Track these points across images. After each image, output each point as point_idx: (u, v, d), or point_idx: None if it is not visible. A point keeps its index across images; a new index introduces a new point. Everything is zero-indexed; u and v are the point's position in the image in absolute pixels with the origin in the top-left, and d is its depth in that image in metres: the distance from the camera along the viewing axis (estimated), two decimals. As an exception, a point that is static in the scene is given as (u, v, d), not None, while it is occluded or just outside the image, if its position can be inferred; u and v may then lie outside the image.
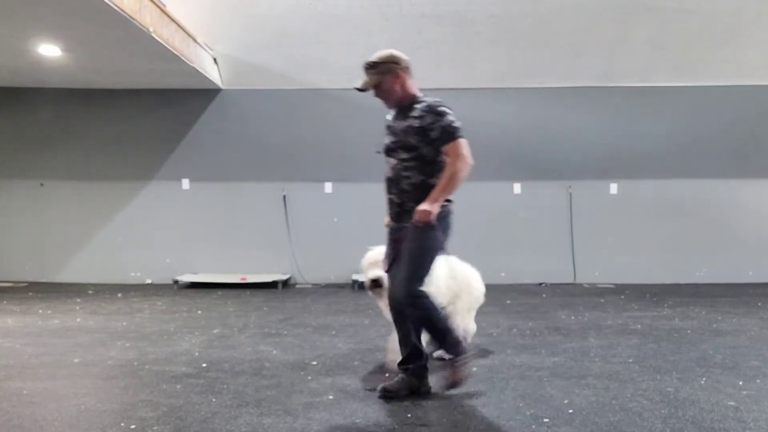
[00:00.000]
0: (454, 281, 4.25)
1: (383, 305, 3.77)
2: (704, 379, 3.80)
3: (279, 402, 3.37)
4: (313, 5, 7.33)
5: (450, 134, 3.38)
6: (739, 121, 8.49)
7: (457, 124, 3.41)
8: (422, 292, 3.37)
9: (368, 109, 8.69)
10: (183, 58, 6.80)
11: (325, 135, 8.52)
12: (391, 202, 3.53)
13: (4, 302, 6.79)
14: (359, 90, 3.62)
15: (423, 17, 7.49)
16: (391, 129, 3.54)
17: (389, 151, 3.51)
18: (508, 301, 6.92)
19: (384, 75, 3.58)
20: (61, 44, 6.40)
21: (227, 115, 8.52)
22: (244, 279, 8.12)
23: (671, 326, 5.50)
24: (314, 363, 4.22)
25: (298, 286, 8.32)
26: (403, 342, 3.57)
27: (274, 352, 4.55)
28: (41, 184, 8.59)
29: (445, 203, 3.42)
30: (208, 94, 8.46)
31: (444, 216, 3.41)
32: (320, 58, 8.03)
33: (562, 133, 8.54)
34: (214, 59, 8.03)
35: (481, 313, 6.26)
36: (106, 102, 8.47)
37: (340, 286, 8.16)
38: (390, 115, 3.63)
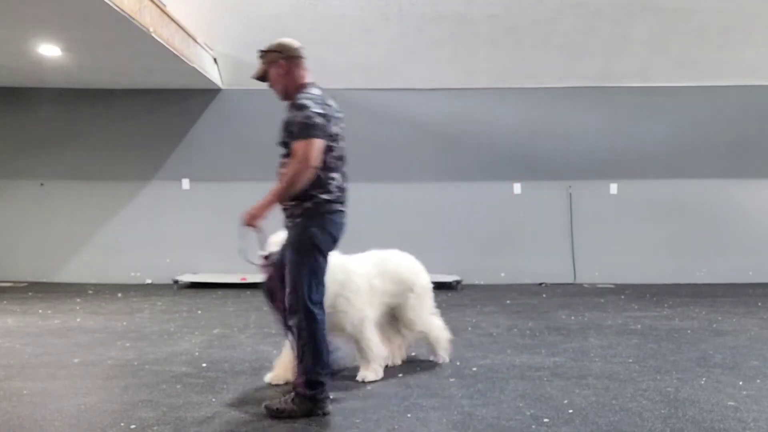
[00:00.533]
0: (335, 282, 3.62)
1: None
2: (704, 379, 3.80)
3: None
4: (313, 5, 7.33)
5: (302, 131, 3.08)
6: (739, 121, 8.49)
7: (314, 121, 3.10)
8: (304, 305, 3.11)
9: (368, 109, 8.75)
10: (183, 58, 6.79)
11: (325, 135, 8.50)
12: None
13: (4, 302, 6.79)
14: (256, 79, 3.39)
15: (423, 17, 7.49)
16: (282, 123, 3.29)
17: (280, 147, 3.28)
18: (508, 301, 6.92)
19: (269, 65, 3.32)
20: (61, 44, 6.40)
21: (227, 115, 8.52)
22: (244, 279, 8.11)
23: (671, 326, 5.50)
24: (314, 363, 4.21)
25: (298, 286, 8.30)
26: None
27: (274, 352, 4.53)
28: (41, 184, 8.59)
29: (323, 202, 3.15)
30: (208, 94, 8.46)
31: (313, 216, 3.15)
32: (320, 58, 7.98)
33: (562, 133, 8.53)
34: (214, 59, 8.03)
35: (481, 313, 6.29)
36: (106, 102, 8.47)
37: (340, 286, 8.15)
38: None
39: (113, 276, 8.44)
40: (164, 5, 6.19)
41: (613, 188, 8.58)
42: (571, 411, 3.21)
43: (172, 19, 6.40)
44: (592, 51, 7.97)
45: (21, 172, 8.56)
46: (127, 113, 8.50)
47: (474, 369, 4.03)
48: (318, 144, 3.09)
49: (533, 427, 2.99)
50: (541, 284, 8.31)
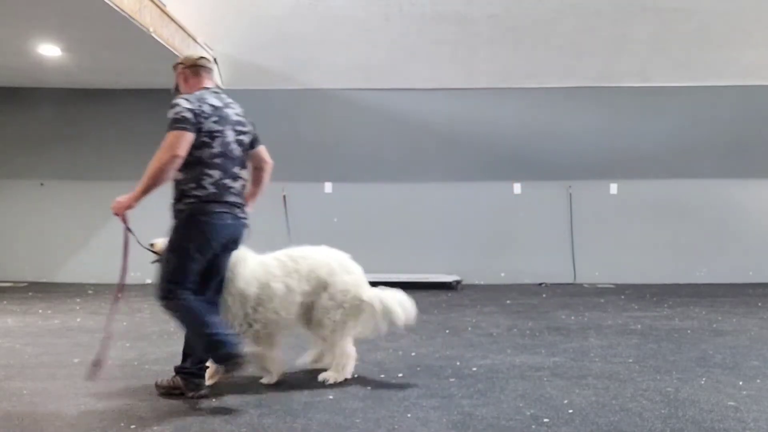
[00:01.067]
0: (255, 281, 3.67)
1: None
2: (704, 379, 3.80)
3: (279, 402, 3.37)
4: (313, 5, 7.33)
5: (170, 125, 3.27)
6: (739, 121, 8.49)
7: (182, 115, 3.26)
8: (173, 292, 3.34)
9: (368, 109, 8.76)
10: (183, 58, 6.79)
11: (325, 135, 8.52)
12: None
13: (4, 302, 6.79)
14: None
15: (423, 17, 7.49)
16: None
17: None
18: (508, 301, 6.92)
19: (176, 75, 3.63)
20: (61, 44, 6.40)
21: (227, 115, 8.51)
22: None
23: (671, 326, 5.50)
24: (314, 363, 4.21)
25: (298, 286, 8.30)
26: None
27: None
28: (41, 184, 8.59)
29: (197, 203, 3.30)
30: (208, 94, 8.45)
31: (185, 220, 3.34)
32: (320, 58, 8.04)
33: (562, 133, 8.53)
34: (214, 59, 8.02)
35: (481, 313, 6.29)
36: (106, 102, 8.47)
37: (340, 286, 8.14)
38: None
39: (113, 276, 8.38)
40: (164, 5, 6.19)
41: (613, 188, 8.58)
42: (571, 411, 3.21)
43: (172, 19, 6.40)
44: (592, 51, 7.97)
45: (21, 172, 8.57)
46: (127, 113, 8.50)
47: (474, 369, 4.03)
48: (182, 135, 3.23)
49: (533, 427, 2.99)
50: (541, 284, 8.31)
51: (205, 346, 3.32)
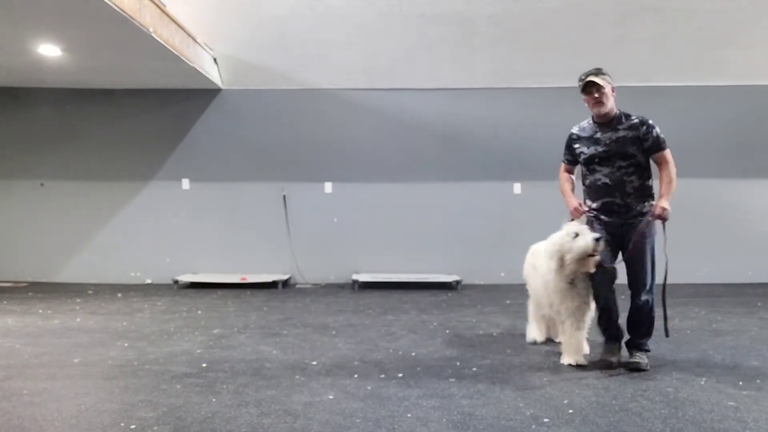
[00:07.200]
0: None
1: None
2: (704, 379, 3.80)
3: (279, 402, 3.37)
4: (313, 5, 7.33)
5: (664, 143, 4.22)
6: (739, 121, 8.49)
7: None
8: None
9: (368, 109, 8.76)
10: (183, 58, 6.80)
11: (325, 135, 8.52)
12: None
13: (4, 302, 6.79)
14: None
15: (423, 17, 7.50)
16: None
17: None
18: (507, 301, 6.92)
19: (609, 93, 4.23)
20: (61, 44, 6.40)
21: (227, 115, 8.53)
22: (244, 279, 8.12)
23: (671, 326, 5.48)
24: (314, 363, 4.21)
25: (298, 286, 8.32)
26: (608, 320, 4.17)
27: (274, 352, 4.55)
28: (41, 184, 8.59)
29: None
30: (208, 94, 8.46)
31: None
32: (320, 58, 8.04)
33: (562, 133, 8.48)
34: (214, 59, 8.03)
35: (481, 313, 6.29)
36: (106, 102, 8.47)
37: (340, 286, 8.15)
38: None
39: (113, 276, 8.45)
40: (164, 5, 6.19)
41: (613, 188, 8.57)
42: (571, 411, 3.21)
43: (172, 19, 6.40)
44: (592, 51, 7.96)
45: (21, 172, 8.57)
46: (127, 113, 8.51)
47: (474, 369, 4.03)
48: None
49: (533, 427, 2.99)
50: (541, 284, 8.29)
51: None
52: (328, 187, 8.59)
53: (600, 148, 4.15)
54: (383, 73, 8.16)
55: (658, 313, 4.20)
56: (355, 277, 7.98)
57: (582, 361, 4.09)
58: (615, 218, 4.13)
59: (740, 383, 3.70)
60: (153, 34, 5.89)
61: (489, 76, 8.32)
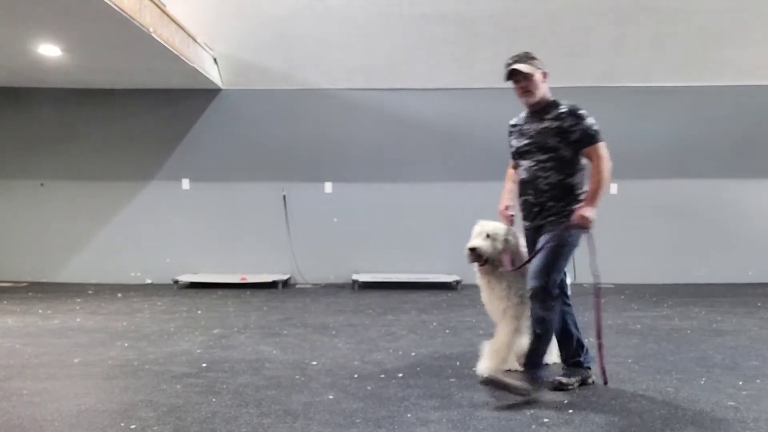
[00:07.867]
0: None
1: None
2: (704, 379, 3.80)
3: (279, 402, 3.37)
4: (313, 5, 7.33)
5: (597, 136, 3.58)
6: (739, 121, 8.49)
7: (597, 126, 3.59)
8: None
9: (368, 110, 8.75)
10: (183, 58, 6.79)
11: (325, 135, 8.52)
12: None
13: (4, 302, 6.79)
14: None
15: (423, 17, 7.49)
16: None
17: None
18: (508, 301, 6.91)
19: (538, 79, 3.89)
20: (61, 44, 6.40)
21: (227, 115, 8.53)
22: (244, 279, 8.12)
23: (671, 326, 5.50)
24: (314, 363, 4.21)
25: (298, 286, 8.32)
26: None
27: (274, 352, 4.55)
28: (41, 184, 8.59)
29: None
30: (208, 94, 8.46)
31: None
32: (320, 59, 8.04)
33: (562, 133, 8.51)
34: (214, 59, 8.03)
35: (481, 313, 6.27)
36: (106, 102, 8.47)
37: (340, 286, 8.15)
38: None
39: (113, 276, 8.45)
40: (164, 5, 6.19)
41: (613, 188, 8.56)
42: (571, 411, 3.21)
43: (172, 19, 6.40)
44: (592, 51, 7.97)
45: (21, 172, 8.58)
46: (127, 113, 8.51)
47: (474, 369, 4.03)
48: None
49: (533, 427, 2.99)
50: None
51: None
52: (328, 187, 8.59)
53: (524, 141, 3.63)
54: (383, 73, 8.15)
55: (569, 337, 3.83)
56: (355, 277, 7.99)
57: (495, 374, 3.59)
58: (530, 221, 3.71)
59: (740, 383, 3.70)
60: (153, 34, 5.89)
61: (489, 76, 8.29)
